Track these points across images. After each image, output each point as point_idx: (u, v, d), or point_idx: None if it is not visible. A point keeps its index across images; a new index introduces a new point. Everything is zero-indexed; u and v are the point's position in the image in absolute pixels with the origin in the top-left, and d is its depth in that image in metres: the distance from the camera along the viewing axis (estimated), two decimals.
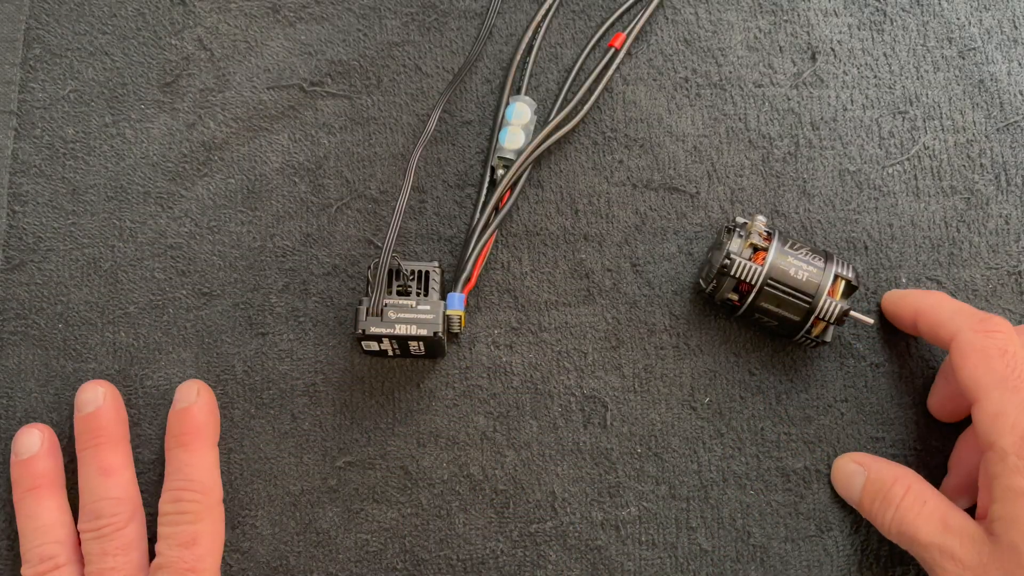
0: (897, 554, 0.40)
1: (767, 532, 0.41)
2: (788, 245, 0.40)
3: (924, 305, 0.39)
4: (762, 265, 0.39)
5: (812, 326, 0.39)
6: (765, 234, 0.40)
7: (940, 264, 0.43)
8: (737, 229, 0.40)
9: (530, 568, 0.40)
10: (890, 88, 0.45)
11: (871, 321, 0.40)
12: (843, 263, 0.40)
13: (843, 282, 0.39)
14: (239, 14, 0.45)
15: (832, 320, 0.39)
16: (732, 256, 0.39)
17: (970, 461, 0.39)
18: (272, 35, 0.45)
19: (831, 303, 0.39)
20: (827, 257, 0.40)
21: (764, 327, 0.41)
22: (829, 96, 0.45)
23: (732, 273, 0.39)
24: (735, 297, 0.40)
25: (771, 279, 0.39)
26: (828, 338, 0.40)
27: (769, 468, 0.41)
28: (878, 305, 0.42)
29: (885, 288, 0.43)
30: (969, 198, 0.44)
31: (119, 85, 0.44)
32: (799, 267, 0.39)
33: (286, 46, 0.45)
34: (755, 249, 0.40)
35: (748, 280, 0.39)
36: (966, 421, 0.40)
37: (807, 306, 0.39)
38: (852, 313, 0.39)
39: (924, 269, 0.43)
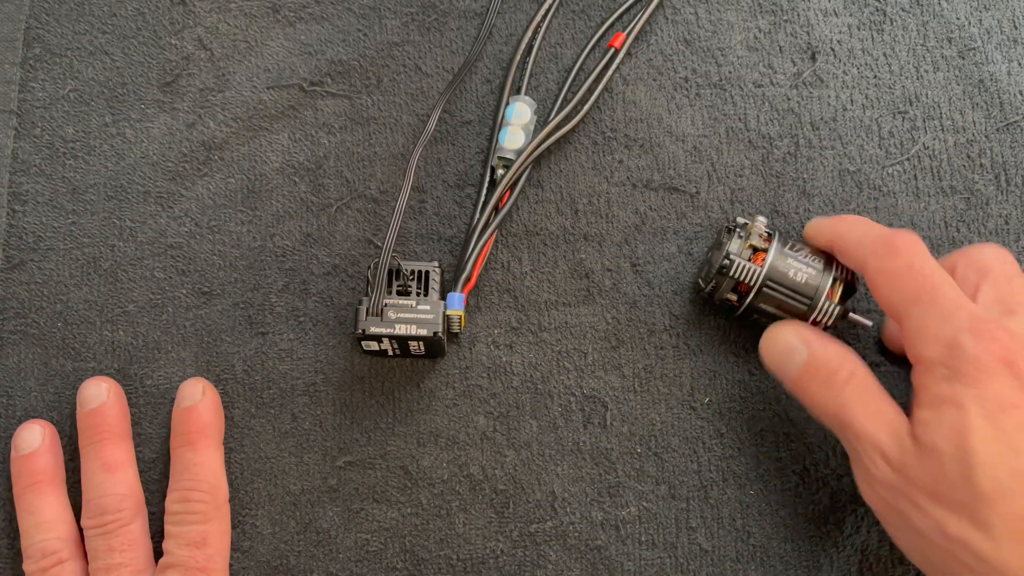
0: (897, 554, 0.40)
1: (767, 532, 0.41)
2: (788, 246, 0.40)
3: (836, 234, 0.39)
4: (761, 266, 0.39)
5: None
6: (765, 235, 0.40)
7: None
8: (737, 229, 0.40)
9: (530, 568, 0.40)
10: (890, 88, 0.45)
11: (869, 323, 0.40)
12: (842, 266, 0.40)
13: (842, 284, 0.39)
14: (239, 14, 0.45)
15: (831, 322, 0.39)
16: (731, 256, 0.39)
17: None
18: (272, 35, 0.45)
19: (830, 305, 0.39)
20: (827, 259, 0.40)
21: (763, 328, 0.41)
22: (829, 96, 0.45)
23: (731, 274, 0.39)
24: (734, 297, 0.40)
25: (770, 280, 0.39)
26: None
27: (769, 468, 0.41)
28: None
29: None
30: (969, 198, 0.44)
31: (119, 85, 0.44)
32: (799, 269, 0.39)
33: (286, 46, 0.45)
34: (755, 250, 0.40)
35: (747, 281, 0.39)
36: None
37: (805, 308, 0.39)
38: (851, 315, 0.39)
39: None
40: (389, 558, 0.40)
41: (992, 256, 0.36)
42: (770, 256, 0.39)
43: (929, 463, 0.33)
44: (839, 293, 0.39)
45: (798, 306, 0.39)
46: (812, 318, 0.39)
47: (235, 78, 0.45)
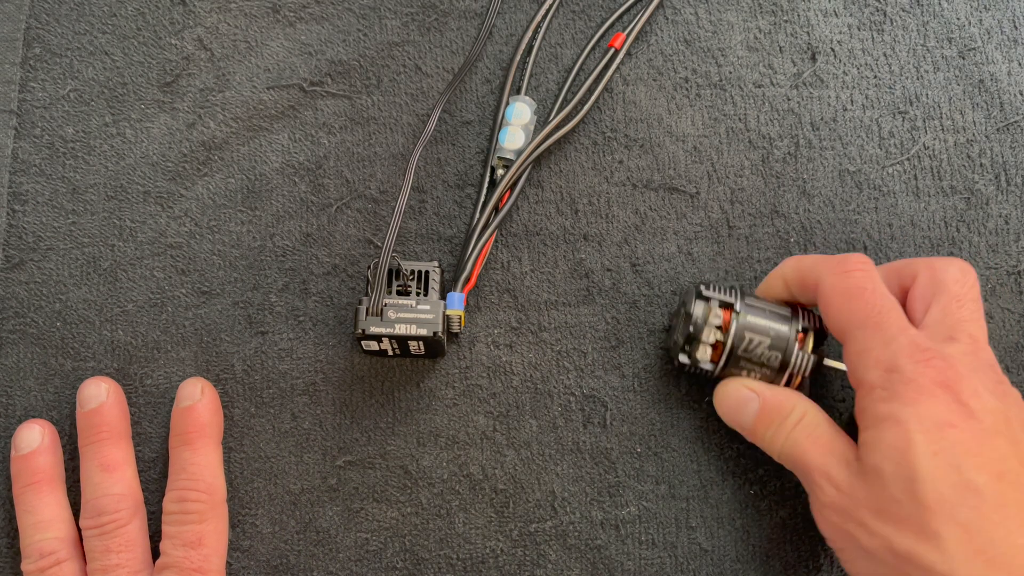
0: None
1: (767, 532, 0.41)
2: (752, 304, 0.39)
3: (786, 271, 0.39)
4: (729, 328, 0.38)
5: (788, 382, 0.38)
6: (728, 298, 0.39)
7: None
8: (698, 298, 0.39)
9: (530, 568, 0.40)
10: (890, 88, 0.45)
11: (846, 367, 0.39)
12: (808, 314, 0.39)
13: (812, 332, 0.38)
14: (239, 14, 0.45)
15: (807, 372, 0.38)
16: (698, 321, 0.38)
17: None
18: (272, 35, 0.45)
19: (803, 356, 0.38)
20: (792, 309, 0.39)
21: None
22: (829, 96, 0.45)
23: (701, 338, 0.38)
24: (708, 367, 0.39)
25: (741, 340, 0.38)
26: (806, 391, 0.39)
27: (769, 468, 0.41)
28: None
29: None
30: (969, 198, 0.44)
31: (119, 85, 0.44)
32: (767, 324, 0.38)
33: (286, 46, 0.45)
34: (721, 313, 0.39)
35: (721, 341, 0.38)
36: None
37: (779, 362, 0.38)
38: (826, 361, 0.39)
39: None
40: (389, 558, 0.40)
41: (953, 276, 0.37)
42: (736, 319, 0.38)
43: (873, 481, 0.33)
44: (810, 342, 0.38)
45: (772, 362, 0.38)
46: (788, 371, 0.38)
47: (235, 78, 0.45)
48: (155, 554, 0.39)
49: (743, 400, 0.39)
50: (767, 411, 0.38)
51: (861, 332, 0.35)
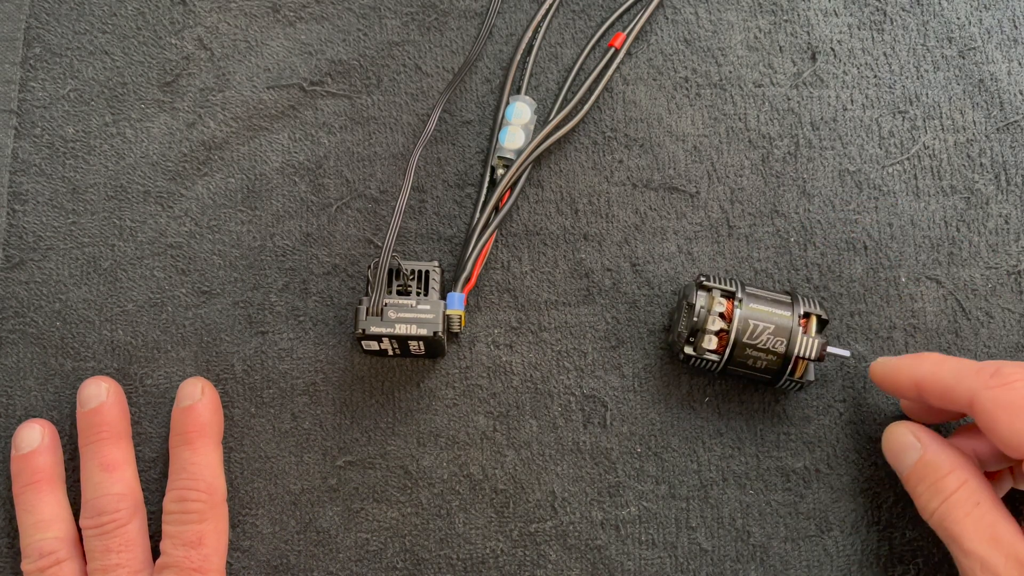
0: (897, 554, 0.40)
1: (767, 532, 0.41)
2: (752, 293, 0.39)
3: (922, 373, 0.36)
4: (732, 317, 0.38)
5: (794, 368, 0.39)
6: (728, 288, 0.39)
7: (940, 263, 0.43)
8: (699, 289, 0.39)
9: (530, 568, 0.40)
10: (890, 88, 0.45)
11: (847, 353, 0.40)
12: (809, 299, 0.39)
13: (815, 317, 0.39)
14: (239, 14, 0.45)
15: (813, 356, 0.38)
16: (701, 310, 0.39)
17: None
18: (272, 35, 0.45)
19: (808, 339, 0.38)
20: (792, 296, 0.39)
21: (747, 378, 0.40)
22: (829, 96, 0.45)
23: (706, 327, 0.38)
24: (714, 358, 0.39)
25: (745, 327, 0.38)
26: (811, 376, 0.40)
27: (769, 468, 0.41)
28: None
29: (884, 287, 0.43)
30: (969, 198, 0.44)
31: (119, 84, 0.44)
32: (770, 311, 0.38)
33: (286, 46, 0.45)
34: (723, 302, 0.39)
35: (725, 331, 0.38)
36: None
37: (784, 347, 0.38)
38: (828, 349, 0.39)
39: (924, 268, 0.43)
40: (389, 558, 0.40)
41: None
42: (739, 306, 0.39)
43: None
44: (813, 326, 0.39)
45: (777, 347, 0.38)
46: (794, 356, 0.38)
47: (235, 78, 0.45)
48: (155, 554, 0.39)
49: (905, 446, 0.37)
50: (924, 465, 0.36)
51: None
